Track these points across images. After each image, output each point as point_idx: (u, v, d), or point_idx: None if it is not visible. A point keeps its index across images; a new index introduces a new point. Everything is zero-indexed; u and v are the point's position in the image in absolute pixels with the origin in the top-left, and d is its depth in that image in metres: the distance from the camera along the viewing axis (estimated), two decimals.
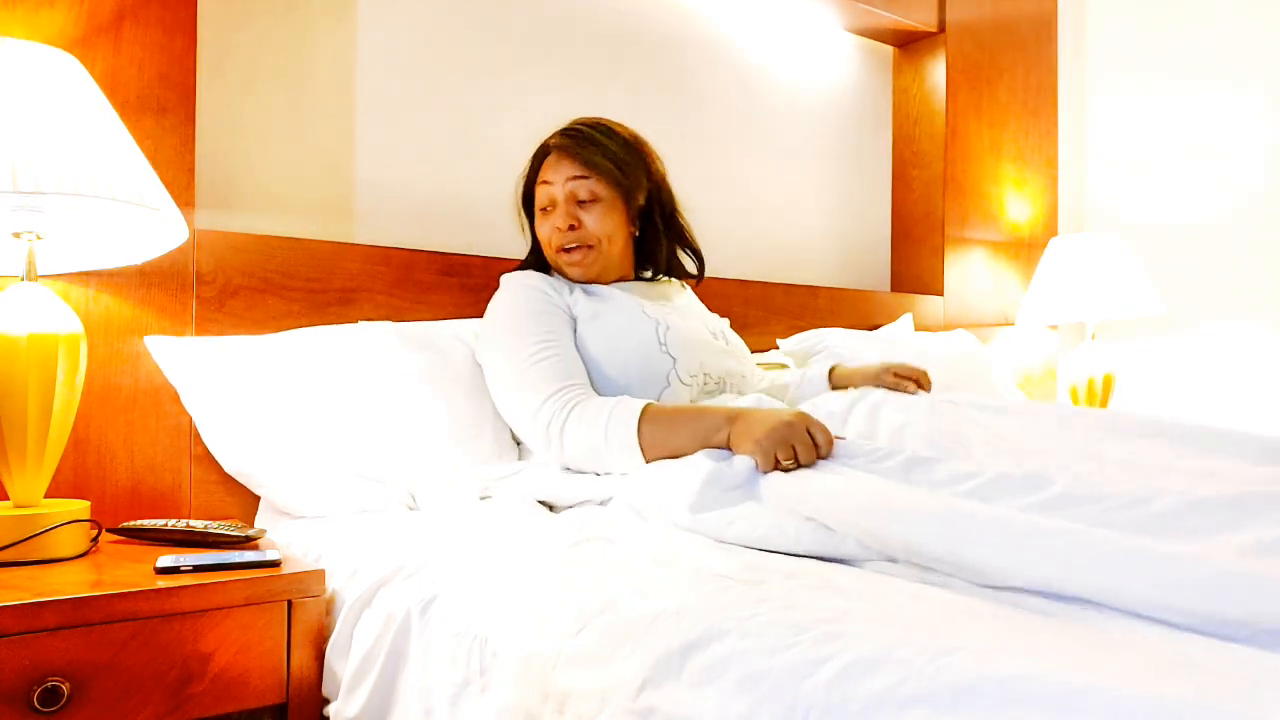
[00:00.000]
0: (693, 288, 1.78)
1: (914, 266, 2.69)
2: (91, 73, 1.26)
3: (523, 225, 1.66)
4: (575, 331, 1.47)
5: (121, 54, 1.42)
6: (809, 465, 1.11)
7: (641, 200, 1.58)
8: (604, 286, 1.55)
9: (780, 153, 2.49)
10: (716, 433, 1.23)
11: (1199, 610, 0.66)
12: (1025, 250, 2.82)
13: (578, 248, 1.53)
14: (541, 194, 1.55)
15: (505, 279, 1.56)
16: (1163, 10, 2.79)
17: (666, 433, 1.26)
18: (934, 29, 2.62)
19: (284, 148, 1.73)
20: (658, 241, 1.63)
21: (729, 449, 1.21)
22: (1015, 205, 2.80)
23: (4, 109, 1.08)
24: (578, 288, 1.54)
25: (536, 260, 1.64)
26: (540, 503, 1.33)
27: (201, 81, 1.59)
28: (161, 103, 1.45)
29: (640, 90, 2.21)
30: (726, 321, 1.73)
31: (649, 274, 1.67)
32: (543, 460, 1.40)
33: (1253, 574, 0.66)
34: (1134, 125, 2.85)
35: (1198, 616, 0.66)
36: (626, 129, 1.60)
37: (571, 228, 1.51)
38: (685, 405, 1.36)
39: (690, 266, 1.72)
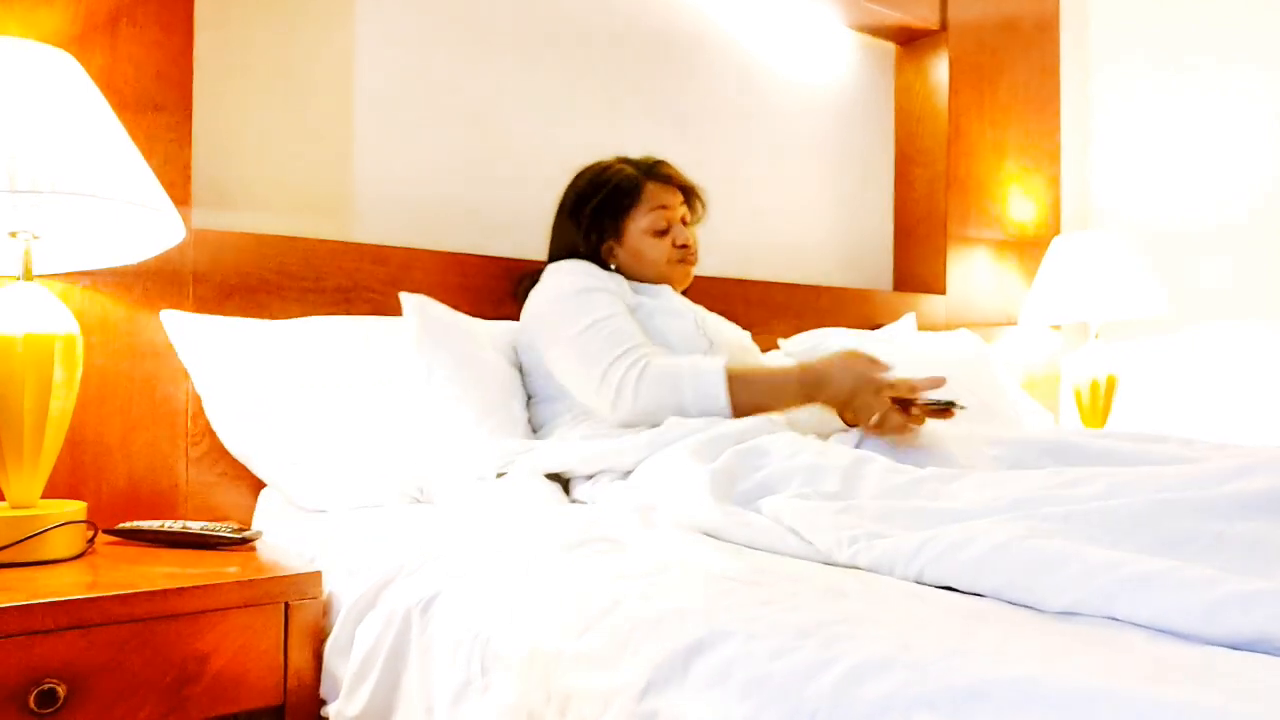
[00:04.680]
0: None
1: (916, 265, 2.68)
2: (88, 71, 1.25)
3: (578, 237, 1.69)
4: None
5: (118, 52, 1.41)
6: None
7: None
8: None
9: (782, 151, 2.48)
10: (791, 394, 1.44)
11: (1205, 633, 0.65)
12: (1028, 249, 2.80)
13: (686, 261, 1.73)
14: (659, 217, 1.70)
15: (553, 267, 1.64)
16: (1166, 7, 2.78)
17: (751, 390, 1.43)
18: (936, 26, 2.61)
19: (281, 146, 1.72)
20: None
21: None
22: (1018, 204, 2.80)
23: (0, 108, 1.07)
24: (625, 283, 1.65)
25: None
26: (553, 477, 1.37)
27: (198, 80, 1.58)
28: (158, 101, 1.45)
29: (641, 89, 2.20)
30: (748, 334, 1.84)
31: None
32: (608, 423, 1.47)
33: (1253, 596, 0.65)
34: (1138, 123, 2.84)
35: (1205, 637, 0.65)
36: None
37: (685, 245, 1.73)
38: (755, 367, 1.56)
39: None
